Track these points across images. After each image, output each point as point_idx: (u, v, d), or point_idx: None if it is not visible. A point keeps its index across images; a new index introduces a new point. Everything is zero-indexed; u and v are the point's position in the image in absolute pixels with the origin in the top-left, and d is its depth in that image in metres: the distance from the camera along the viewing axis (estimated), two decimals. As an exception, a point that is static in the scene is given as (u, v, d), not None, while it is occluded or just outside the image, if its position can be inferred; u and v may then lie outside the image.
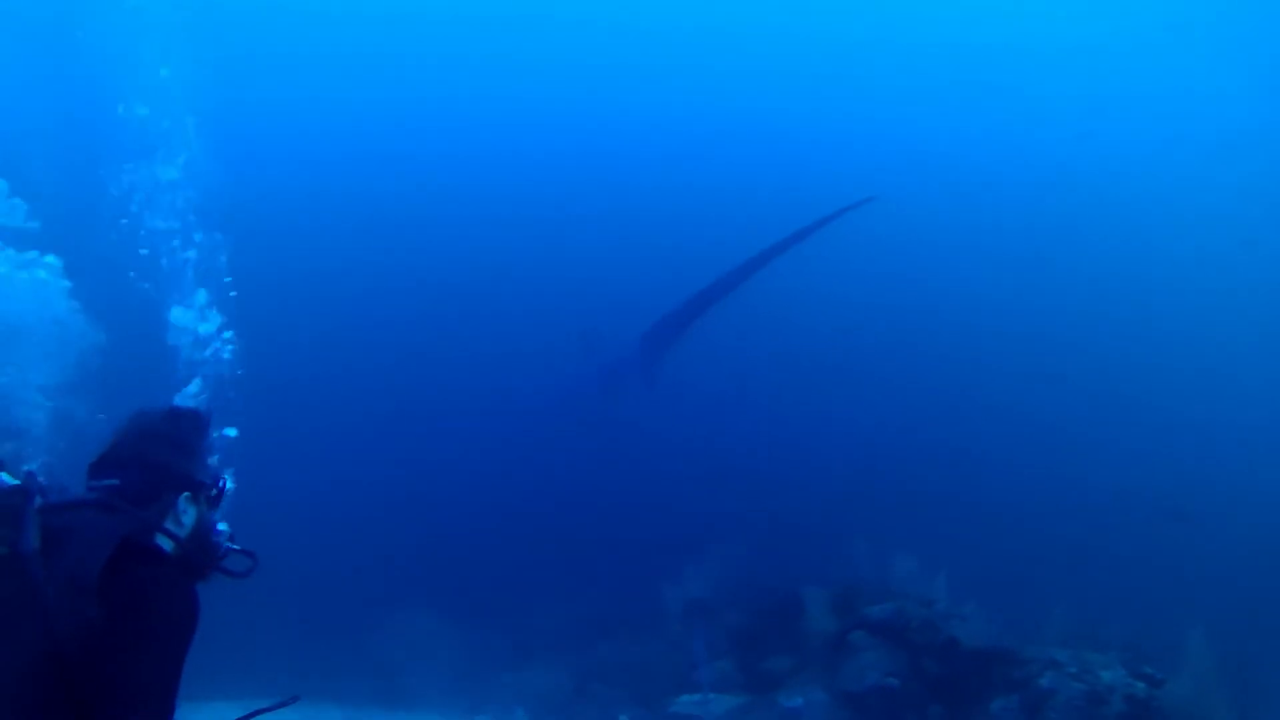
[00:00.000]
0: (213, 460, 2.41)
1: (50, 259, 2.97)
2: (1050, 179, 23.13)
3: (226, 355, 3.20)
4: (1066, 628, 11.06)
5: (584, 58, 23.39)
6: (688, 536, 14.34)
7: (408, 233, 21.17)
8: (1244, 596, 11.77)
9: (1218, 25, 22.07)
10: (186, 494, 2.26)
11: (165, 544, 2.14)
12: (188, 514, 2.26)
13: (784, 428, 17.63)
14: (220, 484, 2.39)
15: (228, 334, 2.87)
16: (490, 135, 23.08)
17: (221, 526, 2.39)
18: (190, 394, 3.02)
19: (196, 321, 2.98)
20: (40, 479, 2.01)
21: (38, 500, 1.94)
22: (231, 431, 2.75)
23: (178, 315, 2.68)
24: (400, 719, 10.03)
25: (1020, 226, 22.38)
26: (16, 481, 1.99)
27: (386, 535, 14.81)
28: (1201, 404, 18.12)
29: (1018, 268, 21.47)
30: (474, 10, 23.20)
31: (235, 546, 2.35)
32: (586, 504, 15.72)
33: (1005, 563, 13.28)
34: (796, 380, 18.54)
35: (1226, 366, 19.12)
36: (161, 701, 1.86)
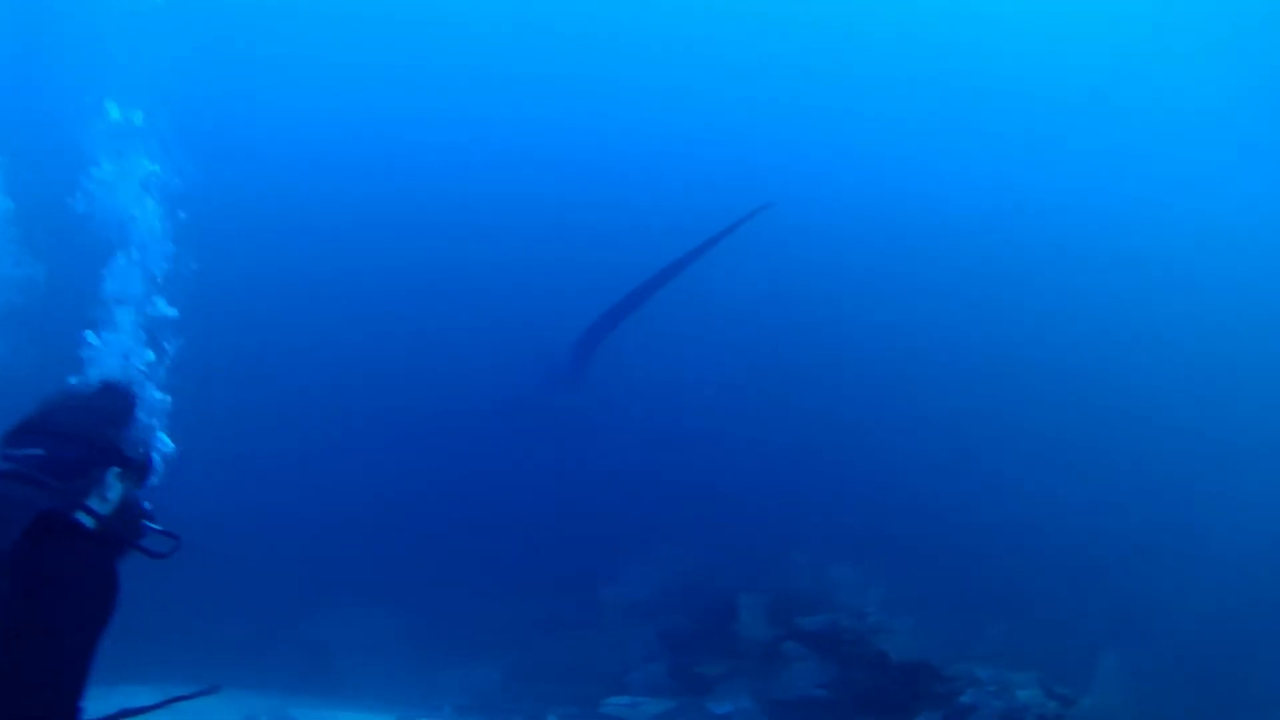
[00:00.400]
0: (140, 436, 2.36)
1: None
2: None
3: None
4: (994, 645, 11.36)
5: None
6: (627, 537, 14.40)
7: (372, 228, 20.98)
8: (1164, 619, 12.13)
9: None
10: (116, 470, 2.22)
11: (85, 520, 2.08)
12: (114, 489, 2.22)
13: (731, 431, 17.74)
14: (148, 461, 2.35)
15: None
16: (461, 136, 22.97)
17: (144, 505, 2.36)
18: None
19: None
20: None
21: None
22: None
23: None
24: (328, 711, 9.88)
25: (997, 238, 22.68)
26: None
27: (325, 524, 14.62)
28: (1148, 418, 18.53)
29: (974, 275, 21.80)
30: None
31: (157, 527, 2.31)
32: (528, 501, 15.69)
33: (944, 577, 13.52)
34: (745, 383, 18.67)
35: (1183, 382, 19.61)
36: (72, 681, 1.83)
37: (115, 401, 2.32)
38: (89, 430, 2.18)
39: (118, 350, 2.48)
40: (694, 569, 13.36)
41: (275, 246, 19.45)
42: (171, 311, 2.72)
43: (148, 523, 2.31)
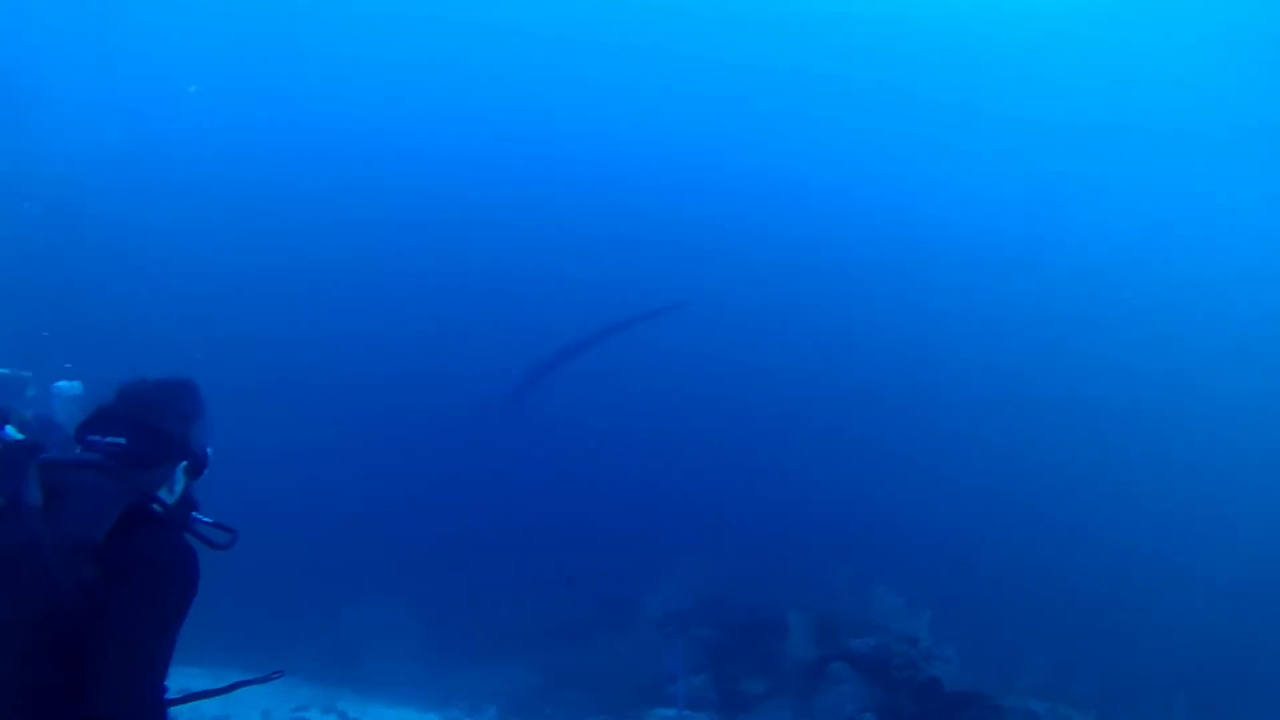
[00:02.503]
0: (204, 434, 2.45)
1: None
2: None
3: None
4: (1041, 678, 11.17)
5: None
6: (667, 545, 14.34)
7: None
8: (1220, 655, 11.90)
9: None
10: (184, 464, 2.30)
11: (158, 510, 2.15)
12: (179, 483, 2.31)
13: (775, 445, 17.66)
14: (206, 458, 2.42)
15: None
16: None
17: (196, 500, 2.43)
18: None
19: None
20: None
21: (41, 455, 1.97)
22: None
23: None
24: (373, 704, 9.88)
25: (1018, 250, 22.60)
26: (21, 437, 2.07)
27: (360, 524, 14.67)
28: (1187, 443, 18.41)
29: (1024, 296, 21.72)
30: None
31: (207, 520, 2.36)
32: (566, 504, 15.68)
33: (982, 606, 13.36)
34: (793, 399, 18.62)
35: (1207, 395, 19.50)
36: (158, 662, 1.90)
37: (188, 398, 2.40)
38: (166, 424, 2.25)
39: None
40: (735, 582, 13.26)
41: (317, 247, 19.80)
42: None
43: (198, 515, 2.36)
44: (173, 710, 2.06)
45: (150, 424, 2.21)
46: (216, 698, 2.32)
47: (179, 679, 2.31)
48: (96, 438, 2.13)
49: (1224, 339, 20.94)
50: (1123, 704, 9.75)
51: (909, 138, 24.18)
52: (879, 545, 14.61)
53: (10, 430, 2.13)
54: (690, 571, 13.52)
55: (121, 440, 2.13)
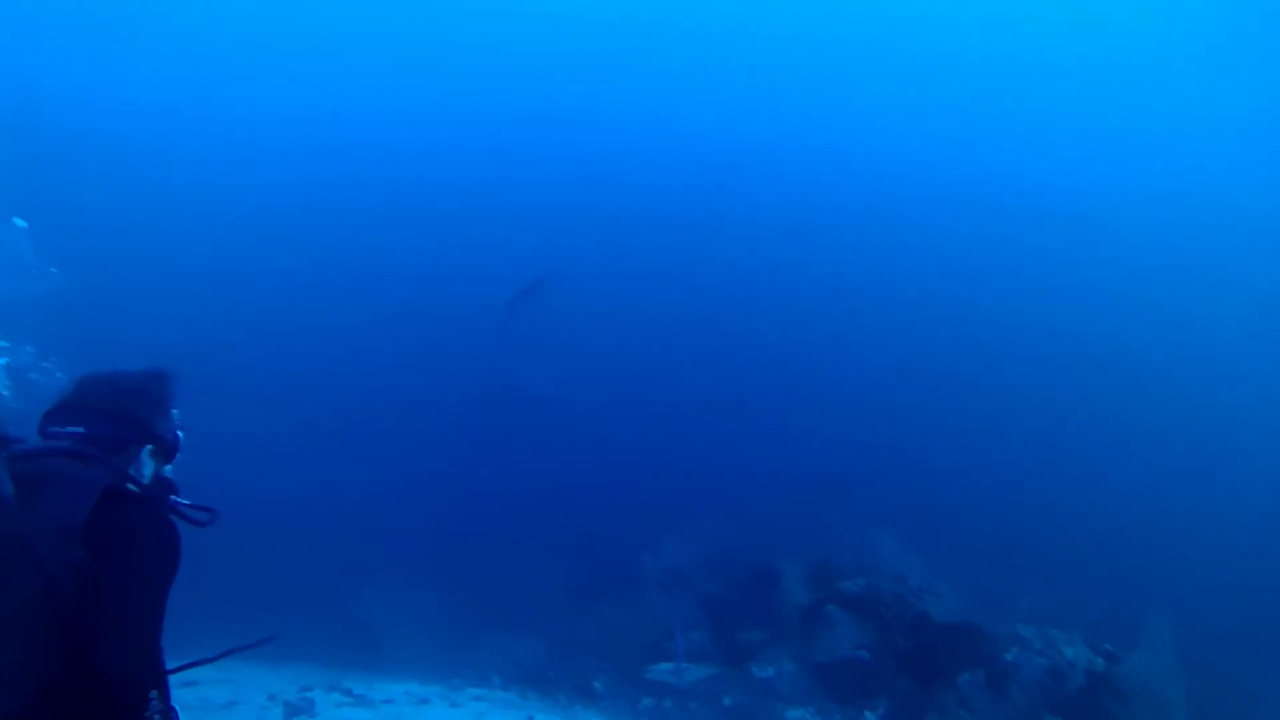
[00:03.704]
0: (175, 419, 2.48)
1: None
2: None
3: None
4: (1036, 606, 11.33)
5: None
6: (666, 506, 14.51)
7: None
8: (1204, 581, 12.07)
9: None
10: (150, 447, 2.35)
11: (134, 490, 2.19)
12: (147, 467, 2.35)
13: (765, 402, 17.79)
14: (176, 441, 2.46)
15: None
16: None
17: (168, 471, 2.46)
18: None
19: None
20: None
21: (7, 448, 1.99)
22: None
23: None
24: (379, 681, 10.11)
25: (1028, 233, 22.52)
26: None
27: (368, 502, 14.89)
28: (1176, 397, 18.41)
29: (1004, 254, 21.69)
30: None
31: (185, 501, 2.39)
32: (566, 474, 15.86)
33: (982, 543, 13.51)
34: (780, 355, 18.71)
35: (1200, 358, 19.44)
36: (151, 635, 1.97)
37: (153, 384, 2.43)
38: (126, 410, 2.29)
39: None
40: (734, 537, 13.44)
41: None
42: None
43: (176, 498, 2.39)
44: (182, 698, 2.11)
45: (107, 411, 2.24)
46: (225, 684, 2.33)
47: (180, 661, 2.41)
48: (56, 429, 2.17)
49: (1215, 277, 20.84)
50: (1110, 628, 9.87)
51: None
52: (873, 490, 14.75)
53: None
54: (689, 530, 13.71)
55: (80, 429, 2.17)
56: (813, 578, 11.60)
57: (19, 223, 12.81)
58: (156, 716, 1.94)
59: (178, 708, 2.06)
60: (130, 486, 2.14)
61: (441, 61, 23.57)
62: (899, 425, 17.13)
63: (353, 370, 18.49)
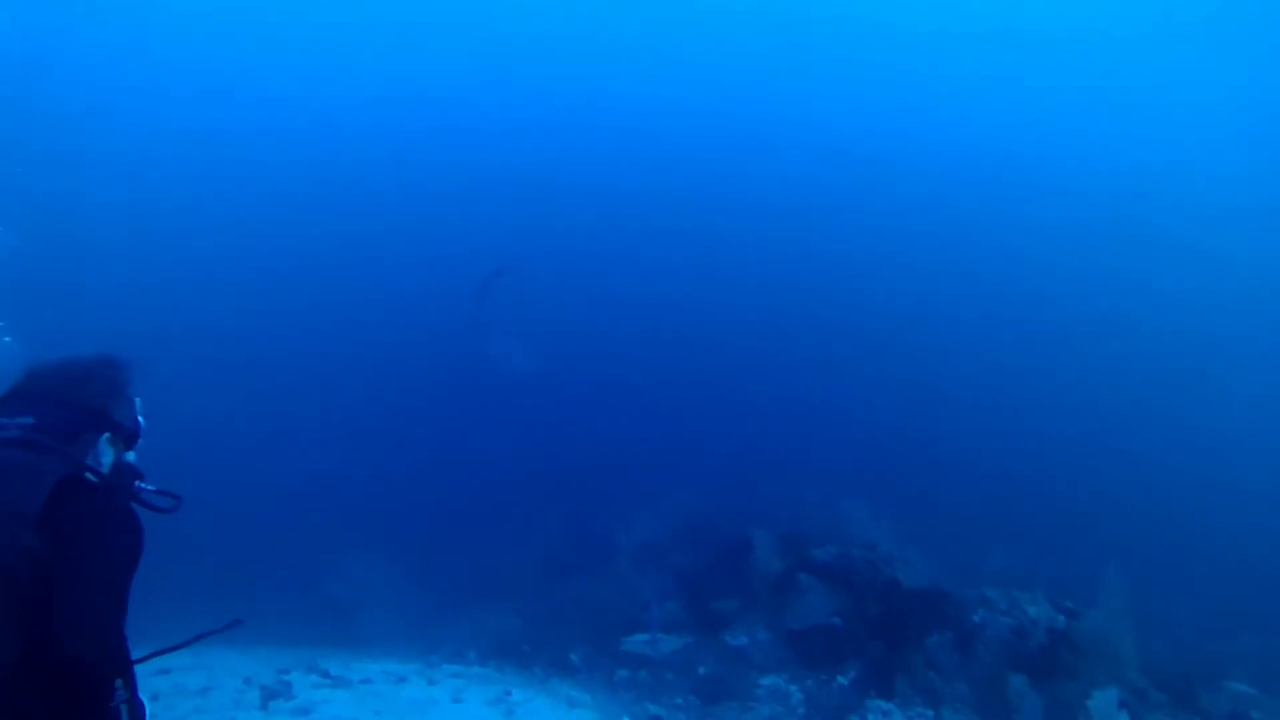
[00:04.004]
0: (135, 405, 2.44)
1: None
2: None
3: None
4: (1001, 569, 11.62)
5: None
6: (641, 480, 14.62)
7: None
8: (1162, 539, 12.45)
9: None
10: (107, 435, 2.30)
11: (92, 479, 2.15)
12: (106, 454, 2.30)
13: (737, 375, 17.92)
14: (136, 427, 2.42)
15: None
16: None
17: (130, 457, 2.43)
18: None
19: None
20: None
21: None
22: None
23: None
24: (355, 660, 10.13)
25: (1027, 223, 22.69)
26: None
27: (340, 479, 14.84)
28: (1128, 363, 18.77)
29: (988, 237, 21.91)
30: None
31: (150, 487, 2.37)
32: (537, 448, 15.90)
33: (950, 509, 13.77)
34: (751, 328, 18.84)
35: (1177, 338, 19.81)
36: (113, 622, 1.95)
37: (105, 370, 2.39)
38: (78, 397, 2.25)
39: None
40: (707, 510, 13.58)
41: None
42: None
43: (140, 484, 2.36)
44: (155, 685, 2.09)
45: (58, 398, 2.21)
46: (200, 669, 2.32)
47: (153, 646, 2.40)
48: (5, 420, 2.12)
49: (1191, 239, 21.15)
50: (1071, 585, 10.15)
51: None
52: (842, 460, 14.96)
53: None
54: (663, 504, 13.83)
55: (29, 419, 2.12)
56: (784, 547, 11.76)
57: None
58: (123, 705, 1.92)
59: (150, 696, 2.06)
60: (87, 475, 2.11)
61: (429, 46, 23.27)
62: (867, 397, 17.33)
63: (324, 347, 18.35)
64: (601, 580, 12.46)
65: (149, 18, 21.05)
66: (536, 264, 18.13)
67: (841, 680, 9.46)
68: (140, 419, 2.46)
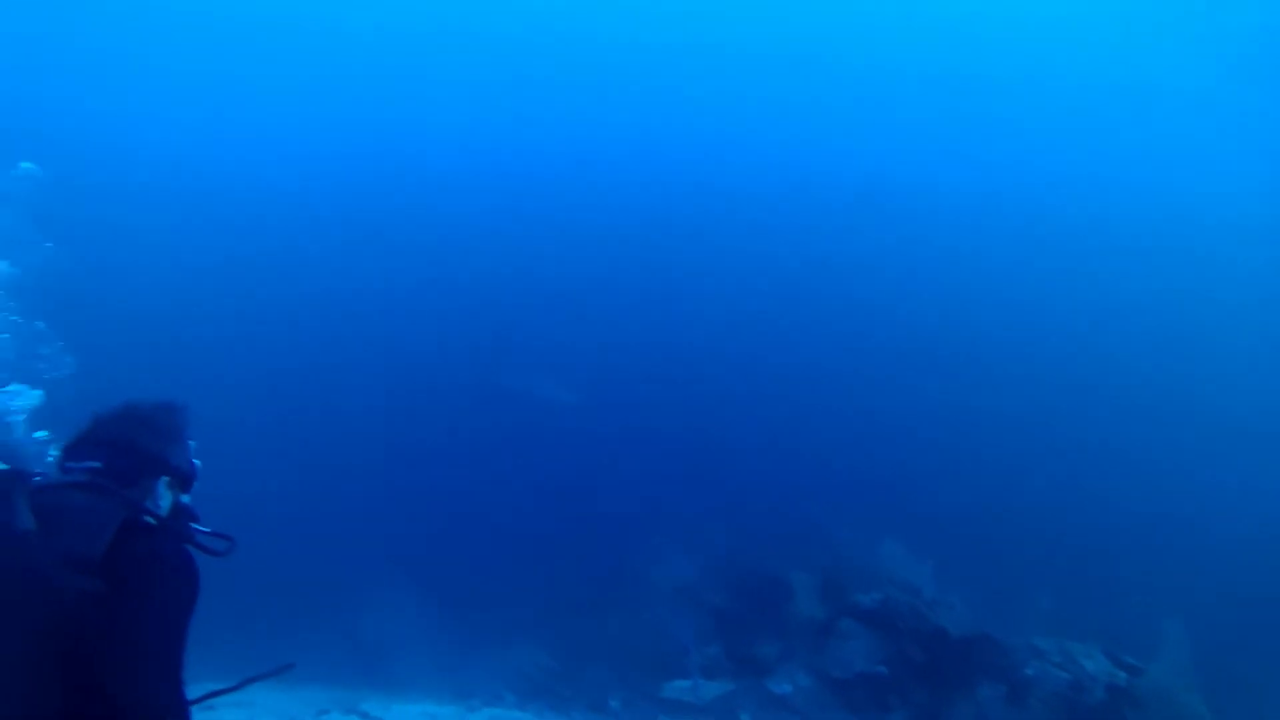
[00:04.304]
0: (190, 449, 2.51)
1: None
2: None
3: None
4: (1049, 616, 11.37)
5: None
6: (673, 516, 14.47)
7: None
8: (1219, 589, 12.12)
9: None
10: (165, 479, 2.38)
11: (151, 522, 2.20)
12: (165, 498, 2.39)
13: (770, 411, 17.78)
14: (192, 470, 2.49)
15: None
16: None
17: (185, 499, 2.48)
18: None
19: None
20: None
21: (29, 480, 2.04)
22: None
23: None
24: (395, 703, 10.01)
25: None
26: (4, 465, 2.09)
27: (369, 519, 14.77)
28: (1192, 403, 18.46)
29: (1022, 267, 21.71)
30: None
31: (205, 529, 2.42)
32: (571, 485, 15.79)
33: (989, 551, 13.52)
34: (787, 364, 18.70)
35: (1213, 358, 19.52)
36: (171, 667, 1.97)
37: (163, 415, 2.46)
38: (140, 442, 2.32)
39: None
40: (742, 547, 13.40)
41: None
42: None
43: (196, 526, 2.43)
44: (192, 712, 2.10)
45: (121, 444, 2.28)
46: (241, 707, 2.39)
47: (198, 691, 2.37)
48: (74, 464, 2.21)
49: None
50: (1128, 638, 9.91)
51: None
52: (882, 498, 14.75)
53: None
54: (697, 540, 13.67)
55: (97, 464, 2.20)
56: (824, 589, 11.58)
57: (27, 166, 11.70)
58: None
59: None
60: (147, 518, 2.16)
61: (431, 57, 23.35)
62: (905, 432, 17.15)
63: (355, 378, 18.34)
64: (639, 620, 12.30)
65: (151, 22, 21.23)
66: (576, 299, 18.07)
67: (889, 731, 9.28)
68: (196, 461, 2.52)
